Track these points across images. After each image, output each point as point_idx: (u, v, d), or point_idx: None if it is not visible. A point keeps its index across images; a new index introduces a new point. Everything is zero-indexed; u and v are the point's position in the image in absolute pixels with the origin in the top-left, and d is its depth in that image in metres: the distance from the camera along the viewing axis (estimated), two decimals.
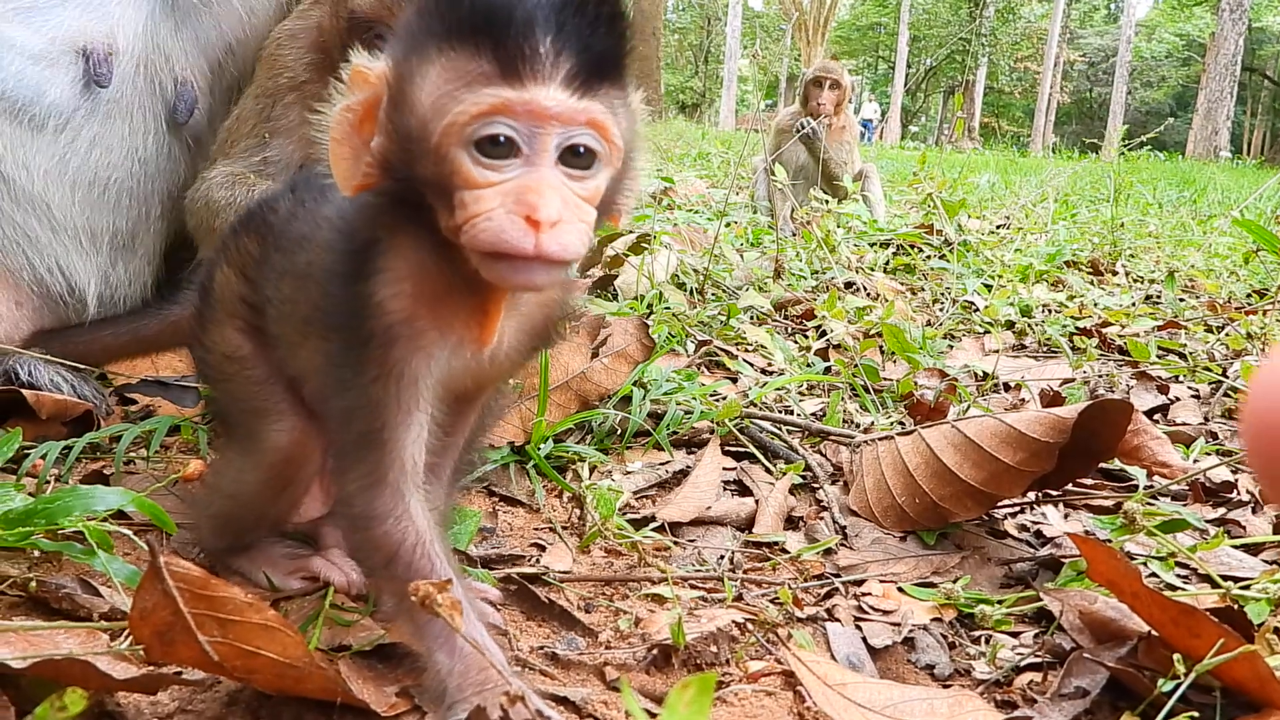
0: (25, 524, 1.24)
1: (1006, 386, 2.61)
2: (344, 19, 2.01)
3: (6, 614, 1.25)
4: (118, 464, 1.65)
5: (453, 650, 1.07)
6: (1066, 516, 1.77)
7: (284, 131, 2.12)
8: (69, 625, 1.20)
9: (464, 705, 1.04)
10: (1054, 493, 1.77)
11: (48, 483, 1.56)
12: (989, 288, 3.83)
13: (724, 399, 2.06)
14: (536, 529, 1.65)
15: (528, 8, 1.00)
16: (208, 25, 2.11)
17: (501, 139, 0.99)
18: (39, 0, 1.91)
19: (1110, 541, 1.52)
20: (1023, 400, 2.45)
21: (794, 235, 5.15)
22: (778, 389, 2.23)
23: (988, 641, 1.39)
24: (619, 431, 1.93)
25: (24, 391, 1.62)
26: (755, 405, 2.10)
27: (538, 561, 1.53)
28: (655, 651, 1.29)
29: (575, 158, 1.01)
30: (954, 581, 1.53)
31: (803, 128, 5.38)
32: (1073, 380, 2.69)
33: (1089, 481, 1.87)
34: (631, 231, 3.52)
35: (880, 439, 1.82)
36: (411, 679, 1.16)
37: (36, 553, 1.37)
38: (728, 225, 5.00)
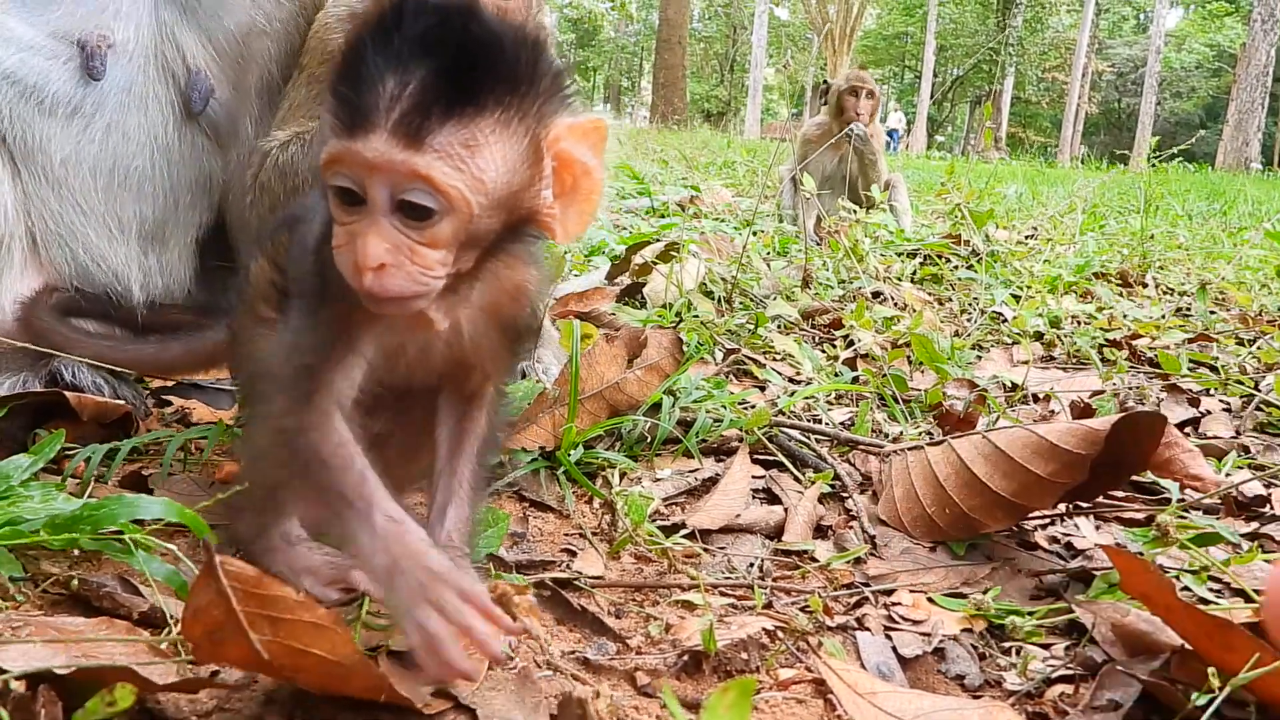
0: (70, 529, 1.27)
1: (1035, 398, 2.60)
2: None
3: (50, 611, 1.27)
4: (164, 468, 1.68)
5: (373, 531, 1.13)
6: (1097, 529, 1.76)
7: None
8: (111, 636, 1.22)
9: (394, 579, 1.11)
10: (1084, 505, 1.77)
11: (89, 484, 1.59)
12: (1017, 299, 3.81)
13: (753, 407, 2.07)
14: (567, 534, 1.66)
15: (376, 56, 1.04)
16: (216, 14, 2.11)
17: (346, 189, 1.07)
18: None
19: (1142, 554, 1.51)
20: (1052, 412, 2.45)
21: (819, 244, 5.15)
22: (806, 398, 2.23)
23: (1018, 653, 1.38)
24: (648, 439, 1.94)
25: (66, 394, 1.65)
26: (784, 414, 2.10)
27: (568, 567, 1.54)
28: (686, 657, 1.29)
29: (410, 210, 1.06)
30: (984, 592, 1.52)
31: (851, 134, 5.38)
32: (1102, 392, 2.68)
33: (1119, 494, 1.86)
34: (659, 239, 3.54)
35: (910, 449, 1.82)
36: (449, 680, 1.17)
37: (76, 551, 1.40)
38: (754, 234, 5.01)
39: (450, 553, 1.33)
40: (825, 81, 5.92)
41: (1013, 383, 2.69)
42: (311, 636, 1.01)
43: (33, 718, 0.95)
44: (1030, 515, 1.68)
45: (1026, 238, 5.48)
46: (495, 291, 1.24)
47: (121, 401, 1.74)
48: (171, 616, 1.25)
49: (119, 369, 1.81)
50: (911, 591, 1.53)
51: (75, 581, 1.29)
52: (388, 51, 1.04)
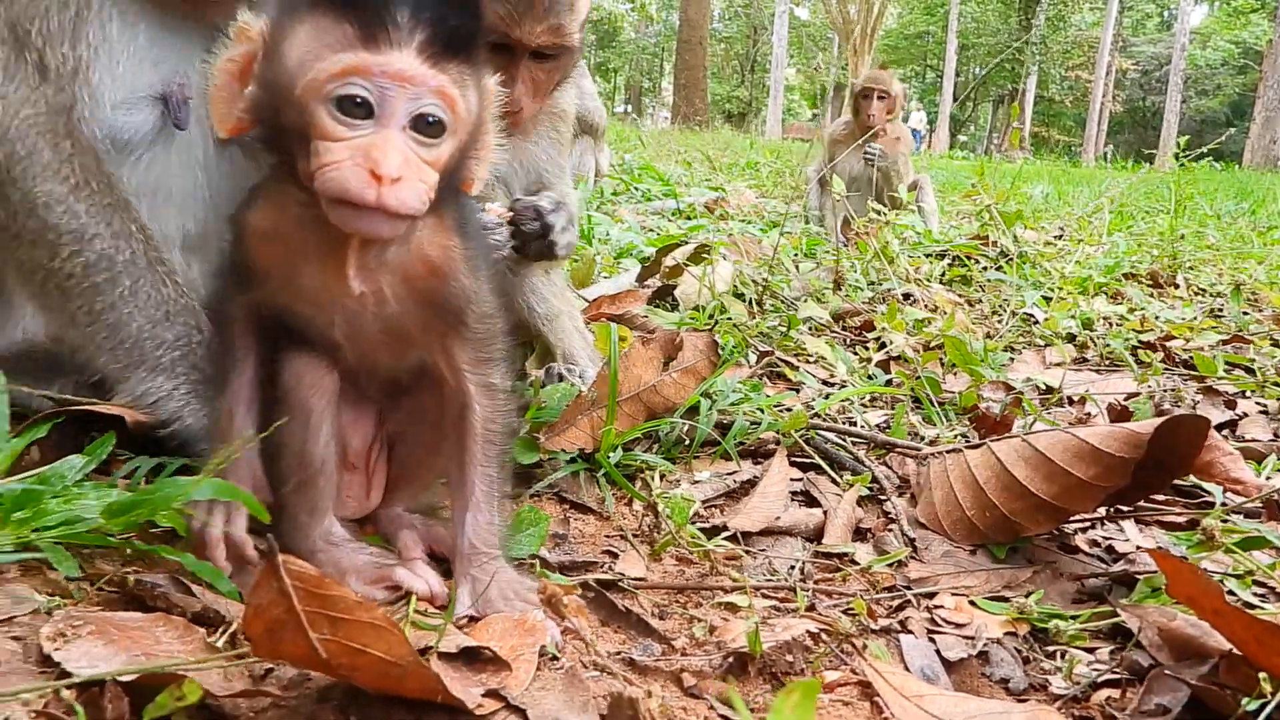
0: (129, 513, 1.29)
1: (1070, 400, 2.59)
2: None
3: (107, 608, 1.29)
4: (214, 468, 1.70)
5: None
6: (1139, 532, 1.76)
7: None
8: (168, 634, 1.24)
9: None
10: (1125, 508, 1.76)
11: (138, 486, 1.61)
12: (1048, 300, 3.80)
13: (788, 410, 2.07)
14: (608, 536, 1.67)
15: None
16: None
17: (358, 100, 1.12)
18: (126, 60, 1.98)
19: (1187, 558, 1.51)
20: (1088, 414, 2.44)
21: (845, 246, 5.14)
22: (842, 400, 2.24)
23: (1063, 657, 1.39)
24: (686, 441, 1.95)
25: (119, 409, 1.67)
26: (820, 416, 2.11)
27: (610, 568, 1.55)
28: (731, 659, 1.30)
29: (425, 125, 1.15)
30: (1026, 596, 1.53)
31: (871, 154, 5.37)
32: (1137, 395, 2.67)
33: (1159, 497, 1.86)
34: (688, 242, 3.55)
35: (948, 452, 1.82)
36: (497, 680, 1.19)
37: (129, 550, 1.42)
38: (782, 236, 5.01)
39: (477, 558, 1.36)
40: (853, 82, 5.90)
41: (1047, 385, 2.69)
42: (369, 636, 1.02)
43: (100, 713, 0.96)
44: (1071, 518, 1.68)
45: (1055, 238, 5.45)
46: (413, 260, 1.29)
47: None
48: (218, 613, 1.28)
49: None
50: (953, 594, 1.54)
51: (132, 580, 1.31)
52: None
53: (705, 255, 3.09)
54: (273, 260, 1.30)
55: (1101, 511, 1.76)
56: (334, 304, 1.31)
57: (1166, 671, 1.24)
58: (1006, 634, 1.44)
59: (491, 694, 1.16)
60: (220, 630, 1.25)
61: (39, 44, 1.74)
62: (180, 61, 2.06)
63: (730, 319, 2.78)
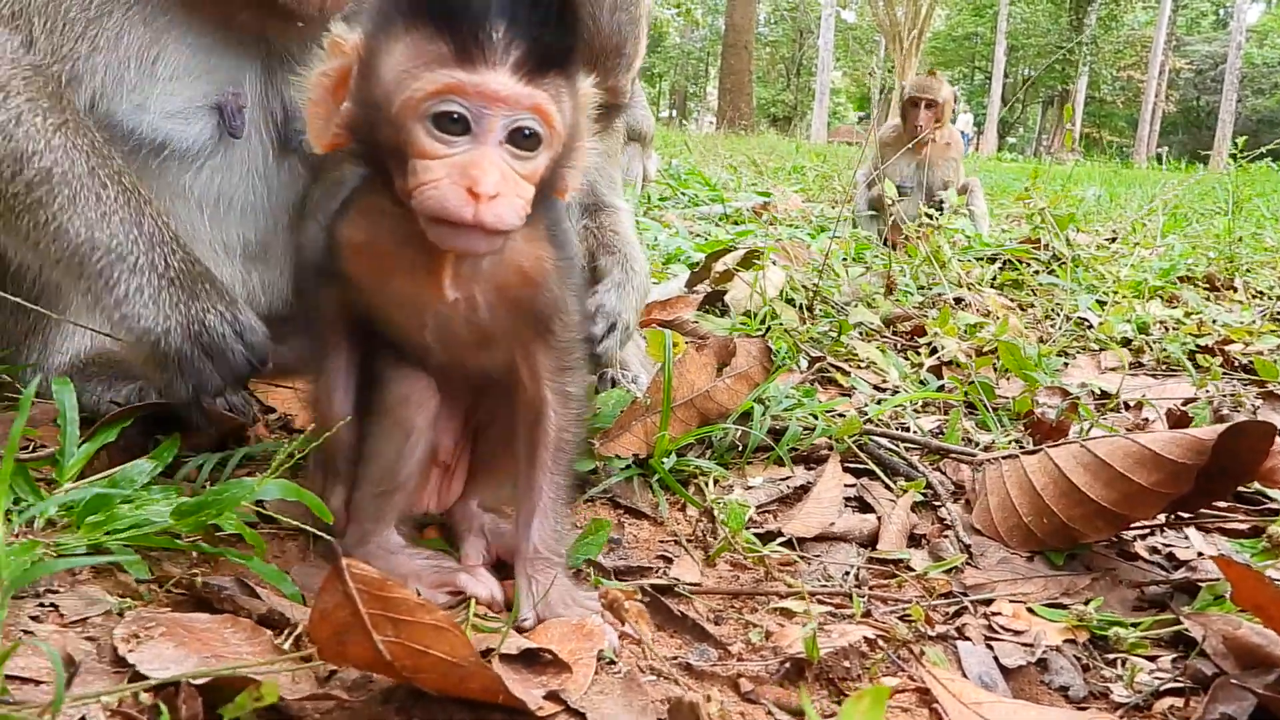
0: (197, 514, 1.32)
1: (1127, 405, 2.56)
2: None
3: (175, 610, 1.32)
4: (276, 468, 1.73)
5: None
6: (1202, 539, 1.74)
7: None
8: (236, 636, 1.26)
9: None
10: (1186, 515, 1.74)
11: (204, 488, 1.65)
12: (1102, 304, 3.75)
13: (842, 415, 2.07)
14: (662, 541, 1.68)
15: (484, 3, 1.13)
16: (312, 57, 2.21)
17: (454, 116, 1.13)
18: (179, 71, 2.02)
19: (1251, 566, 1.49)
20: (1145, 420, 2.41)
21: (892, 249, 5.11)
22: (895, 406, 2.23)
23: (1123, 665, 1.37)
24: (739, 446, 1.95)
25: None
26: (873, 422, 2.10)
27: (665, 573, 1.56)
28: (788, 665, 1.30)
29: (521, 139, 1.16)
30: (1085, 603, 1.51)
31: (905, 188, 5.33)
32: (1195, 400, 2.63)
33: (1220, 504, 1.83)
34: (737, 247, 3.55)
35: (1004, 458, 1.81)
36: (557, 683, 1.20)
37: (195, 553, 1.45)
38: (831, 240, 5.00)
39: (539, 562, 1.37)
40: (901, 85, 5.86)
41: (1102, 390, 2.66)
42: (432, 638, 1.04)
43: (176, 714, 0.99)
44: (1131, 525, 1.66)
45: (1108, 240, 5.38)
46: (506, 268, 1.31)
47: (230, 410, 1.80)
48: (283, 615, 1.30)
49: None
50: (1011, 601, 1.53)
51: (199, 582, 1.34)
52: None
53: (755, 261, 3.09)
54: (366, 270, 1.34)
55: (1161, 518, 1.74)
56: (426, 310, 1.33)
57: (1232, 680, 1.22)
58: (1066, 641, 1.43)
59: (551, 696, 1.17)
60: (286, 633, 1.27)
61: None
62: (234, 71, 2.11)
63: (781, 324, 2.77)
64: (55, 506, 1.43)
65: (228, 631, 1.26)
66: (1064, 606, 1.52)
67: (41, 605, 1.28)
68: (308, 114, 1.27)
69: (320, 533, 1.42)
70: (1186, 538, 1.73)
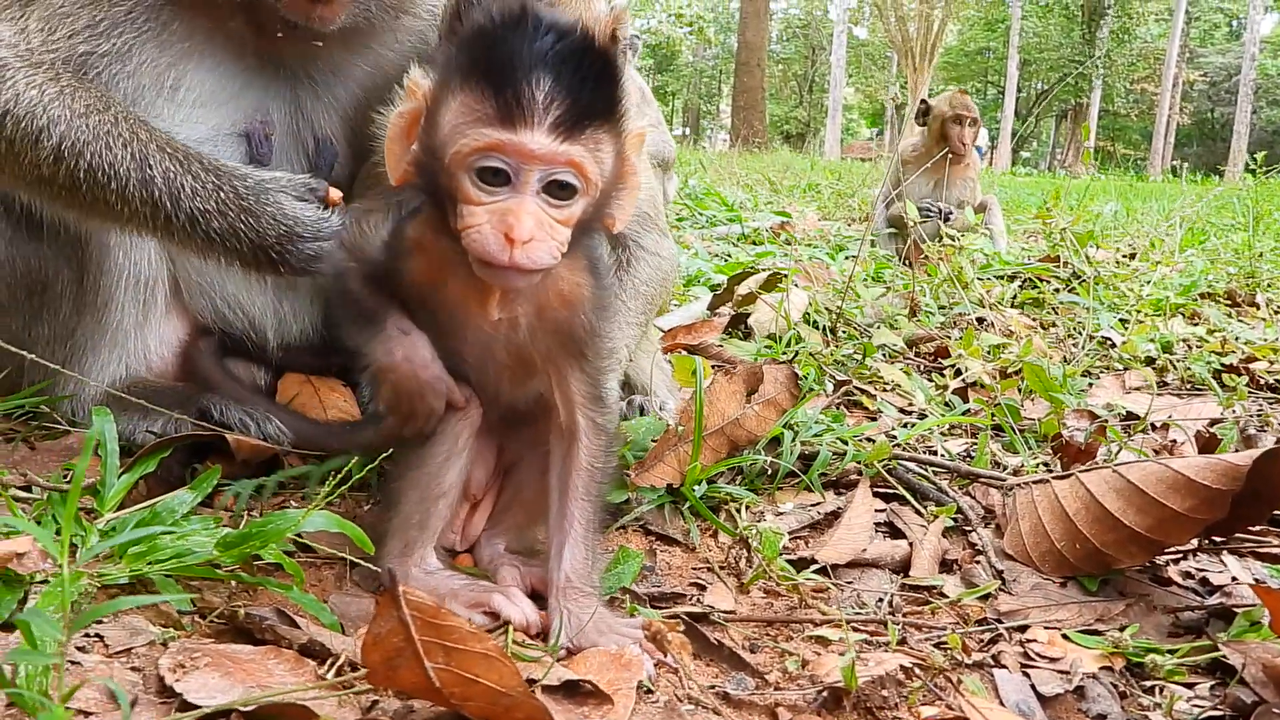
0: (241, 546, 1.34)
1: (1153, 426, 2.56)
2: None
3: (217, 640, 1.34)
4: (322, 500, 1.75)
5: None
6: (1236, 564, 1.73)
7: None
8: (279, 666, 1.28)
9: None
10: (1219, 539, 1.74)
11: (242, 516, 1.67)
12: (1124, 322, 3.75)
13: (870, 440, 2.08)
14: (694, 568, 1.69)
15: (527, 62, 1.25)
16: (343, 88, 2.24)
17: (496, 170, 1.26)
18: (203, 98, 2.05)
19: None
20: (1172, 441, 2.40)
21: (910, 268, 5.11)
22: (923, 430, 2.23)
23: (1161, 692, 1.37)
24: (768, 473, 1.96)
25: (227, 435, 1.73)
26: (901, 446, 2.11)
27: (699, 600, 1.57)
28: (826, 694, 1.31)
29: (557, 190, 1.28)
30: (1120, 630, 1.51)
31: (929, 208, 5.33)
32: (1221, 420, 2.62)
33: (1254, 528, 1.83)
34: (756, 270, 3.56)
35: (1034, 482, 1.81)
36: (599, 714, 1.21)
37: (234, 583, 1.47)
38: (847, 259, 5.00)
39: (571, 592, 1.39)
40: (924, 101, 5.85)
41: (1128, 411, 2.65)
42: (481, 667, 1.05)
43: None
44: (1165, 551, 1.66)
45: (1128, 256, 5.36)
46: (548, 293, 1.41)
47: (265, 439, 1.82)
48: (323, 645, 1.31)
49: (260, 412, 1.90)
50: (1046, 628, 1.53)
51: (241, 613, 1.35)
52: (533, 59, 1.25)
53: (778, 283, 3.10)
54: (426, 270, 1.43)
55: (1194, 543, 1.74)
56: (470, 326, 1.42)
57: (1274, 709, 1.22)
58: (1102, 669, 1.43)
59: None
60: (328, 663, 1.29)
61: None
62: (261, 99, 2.13)
63: (805, 348, 2.78)
64: (97, 536, 1.45)
65: (271, 662, 1.27)
66: (1099, 633, 1.52)
67: (87, 635, 1.30)
68: (385, 149, 1.41)
69: (360, 561, 1.44)
70: (1221, 563, 1.73)
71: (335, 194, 1.86)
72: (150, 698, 1.19)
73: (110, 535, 1.45)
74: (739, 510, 1.83)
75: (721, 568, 1.67)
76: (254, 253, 1.80)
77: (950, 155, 5.40)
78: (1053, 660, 1.45)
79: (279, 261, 1.80)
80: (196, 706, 1.13)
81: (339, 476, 1.41)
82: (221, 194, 1.80)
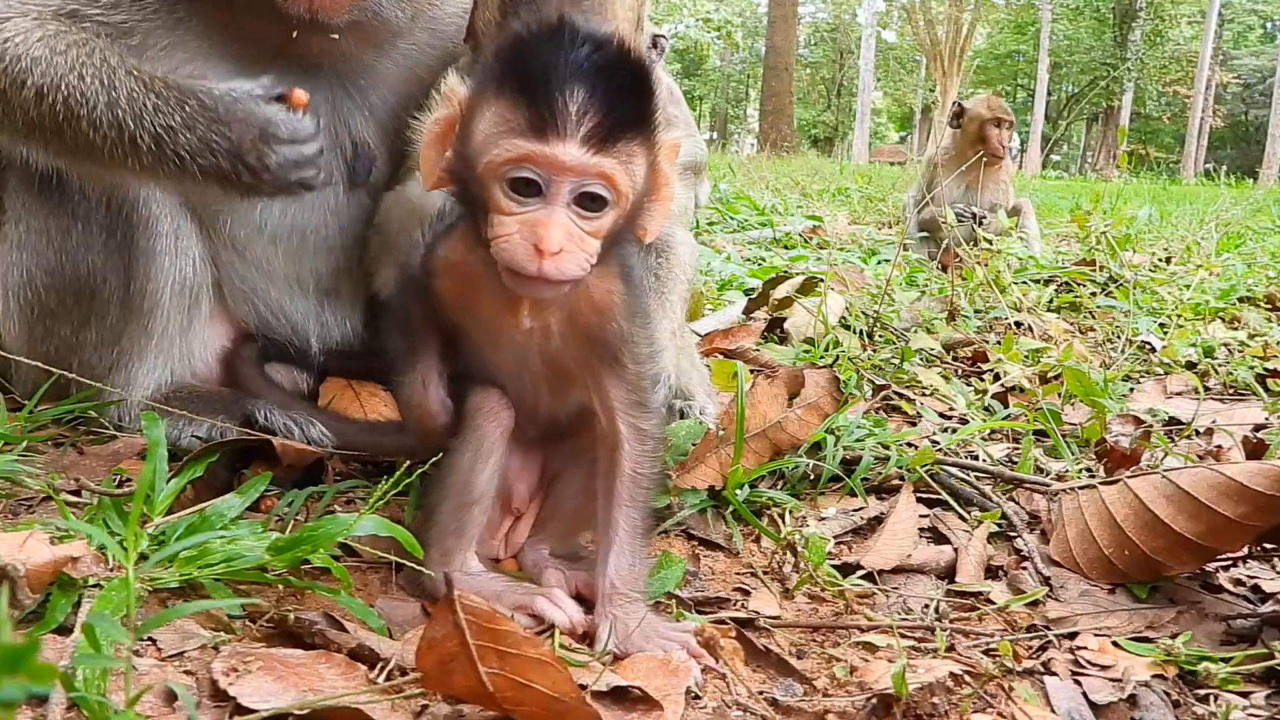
0: (293, 550, 1.35)
1: (1196, 431, 2.53)
2: None
3: (268, 644, 1.35)
4: (372, 505, 1.76)
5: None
6: None
7: None
8: (330, 670, 1.28)
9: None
10: (1270, 546, 1.71)
11: (288, 521, 1.68)
12: (1163, 327, 3.71)
13: (913, 446, 2.06)
14: (738, 573, 1.69)
15: (561, 73, 1.25)
16: (378, 93, 2.25)
17: (527, 181, 1.26)
18: None
19: None
20: (1218, 447, 2.37)
21: (943, 271, 5.08)
22: (965, 436, 2.22)
23: (1215, 701, 1.35)
24: (811, 477, 1.95)
25: (274, 440, 1.75)
26: (944, 451, 2.09)
27: (744, 606, 1.56)
28: (875, 701, 1.30)
29: (588, 202, 1.28)
30: (1172, 637, 1.49)
31: (963, 213, 5.29)
32: (1266, 425, 2.59)
33: None
34: (790, 274, 3.55)
35: (1081, 488, 1.79)
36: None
37: (281, 587, 1.48)
38: (880, 264, 4.98)
39: (617, 599, 1.39)
40: (958, 103, 5.82)
41: (1170, 416, 2.63)
42: (535, 672, 1.06)
43: None
44: (1216, 558, 1.64)
45: (1164, 260, 5.31)
46: (579, 300, 1.41)
47: (309, 443, 1.84)
48: (372, 650, 1.32)
49: (304, 417, 1.91)
50: (1095, 635, 1.51)
51: (292, 617, 1.36)
52: (567, 71, 1.25)
53: (815, 288, 3.09)
54: (456, 289, 1.45)
55: (1245, 549, 1.71)
56: (504, 336, 1.43)
57: None
58: (1154, 677, 1.41)
59: None
60: (376, 667, 1.29)
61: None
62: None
63: (843, 352, 2.77)
64: (147, 540, 1.46)
65: (321, 666, 1.28)
66: (1150, 641, 1.50)
67: (140, 639, 1.31)
68: (421, 155, 1.42)
69: (406, 562, 1.45)
70: (1274, 569, 1.71)
71: (300, 94, 1.81)
72: (205, 701, 1.20)
73: (160, 540, 1.47)
74: (781, 515, 1.83)
75: (765, 573, 1.67)
76: (231, 164, 1.75)
77: (986, 158, 5.36)
78: (1104, 668, 1.43)
79: (259, 170, 1.75)
80: (251, 710, 1.14)
81: (390, 482, 1.41)
82: (187, 107, 1.77)
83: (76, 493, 1.75)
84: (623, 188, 1.30)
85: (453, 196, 1.44)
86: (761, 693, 1.33)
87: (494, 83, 1.30)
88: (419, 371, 1.51)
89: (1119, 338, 3.46)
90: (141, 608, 1.34)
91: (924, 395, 2.62)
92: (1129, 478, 1.72)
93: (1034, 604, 1.60)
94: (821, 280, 3.16)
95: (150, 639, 1.32)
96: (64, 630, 1.29)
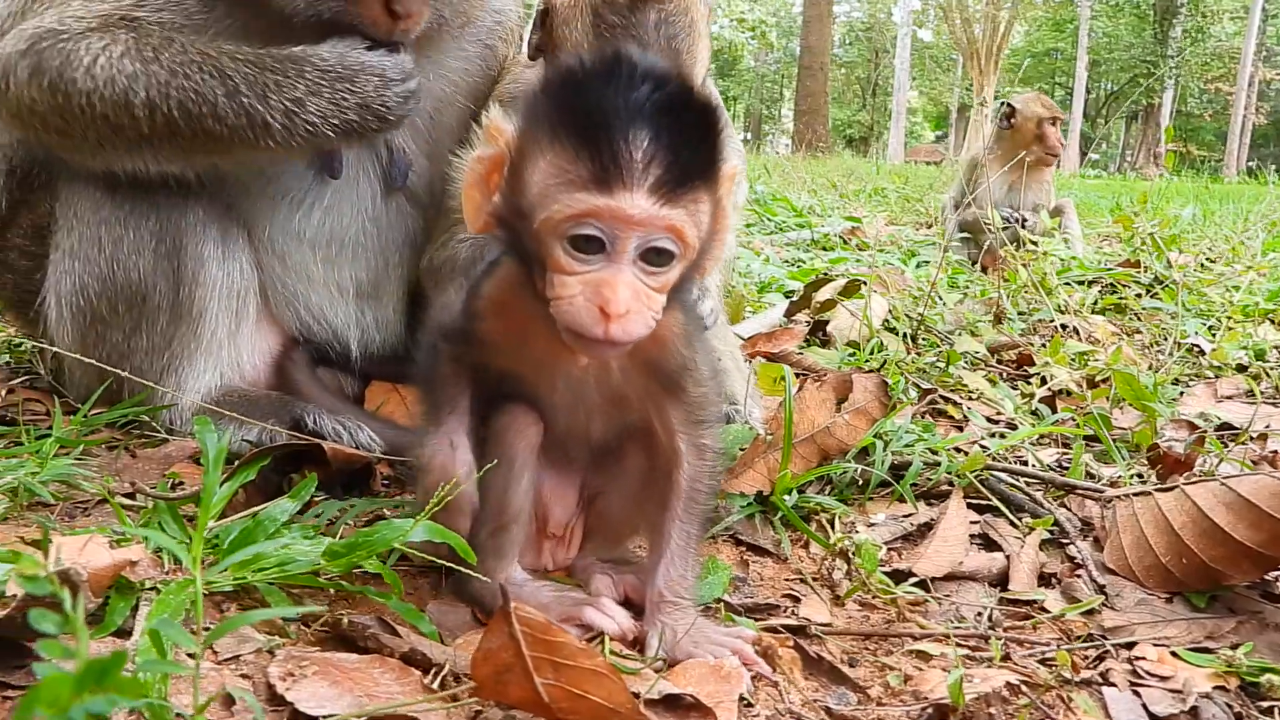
0: (348, 555, 1.35)
1: (1251, 436, 2.48)
2: None
3: (323, 649, 1.36)
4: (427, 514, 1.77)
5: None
6: None
7: None
8: (385, 675, 1.29)
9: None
10: None
11: (338, 526, 1.69)
12: (1212, 329, 3.65)
13: (962, 451, 2.04)
14: (786, 579, 1.67)
15: (624, 119, 1.15)
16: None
17: (590, 238, 1.17)
18: None
19: None
20: (1273, 452, 2.33)
21: (984, 273, 5.03)
22: (1016, 440, 2.19)
23: (1278, 714, 1.33)
24: (859, 483, 1.94)
25: (324, 444, 1.76)
26: (994, 457, 2.07)
27: (794, 613, 1.55)
28: (930, 711, 1.29)
29: (654, 257, 1.20)
30: (1233, 648, 1.46)
31: (1008, 218, 5.22)
32: None
33: None
34: (832, 276, 3.53)
35: (1136, 494, 1.76)
36: None
37: (333, 591, 1.48)
38: (920, 266, 4.94)
39: (667, 606, 1.38)
40: (1007, 102, 5.76)
41: (1221, 420, 2.58)
42: (590, 683, 1.05)
43: None
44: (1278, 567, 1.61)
45: (1210, 261, 5.23)
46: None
47: (363, 450, 1.85)
48: (424, 655, 1.32)
49: (352, 422, 1.93)
50: (1154, 645, 1.49)
51: (345, 621, 1.36)
52: (629, 114, 1.15)
53: (857, 290, 3.07)
54: (503, 330, 1.37)
55: None
56: (559, 372, 1.38)
57: None
58: (1216, 688, 1.39)
59: None
60: (430, 672, 1.29)
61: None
62: None
63: (888, 355, 2.75)
64: (202, 545, 1.47)
65: (376, 671, 1.28)
66: (1210, 651, 1.48)
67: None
68: (463, 195, 1.32)
69: (457, 567, 1.45)
70: None
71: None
72: (263, 705, 1.21)
73: (214, 543, 1.48)
74: (829, 521, 1.81)
75: (815, 579, 1.65)
76: (361, 114, 1.85)
77: (1040, 157, 5.30)
78: (1163, 679, 1.41)
79: (385, 113, 1.86)
80: (309, 715, 1.15)
81: (444, 490, 1.41)
82: (306, 75, 1.82)
83: (131, 496, 1.77)
84: (690, 240, 1.21)
85: (501, 243, 1.35)
86: (815, 701, 1.32)
87: (547, 126, 1.20)
88: (445, 432, 1.41)
89: (1166, 340, 3.41)
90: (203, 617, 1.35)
91: (970, 399, 2.59)
92: (1186, 484, 1.69)
93: (1089, 613, 1.58)
94: (863, 283, 3.13)
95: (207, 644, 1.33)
96: (123, 633, 1.30)
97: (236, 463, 1.71)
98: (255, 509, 1.58)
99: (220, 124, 1.80)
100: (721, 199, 1.28)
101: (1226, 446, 2.36)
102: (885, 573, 1.66)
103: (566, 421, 1.45)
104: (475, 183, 1.30)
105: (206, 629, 1.37)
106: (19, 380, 2.40)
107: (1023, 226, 4.98)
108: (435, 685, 1.26)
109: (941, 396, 2.55)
